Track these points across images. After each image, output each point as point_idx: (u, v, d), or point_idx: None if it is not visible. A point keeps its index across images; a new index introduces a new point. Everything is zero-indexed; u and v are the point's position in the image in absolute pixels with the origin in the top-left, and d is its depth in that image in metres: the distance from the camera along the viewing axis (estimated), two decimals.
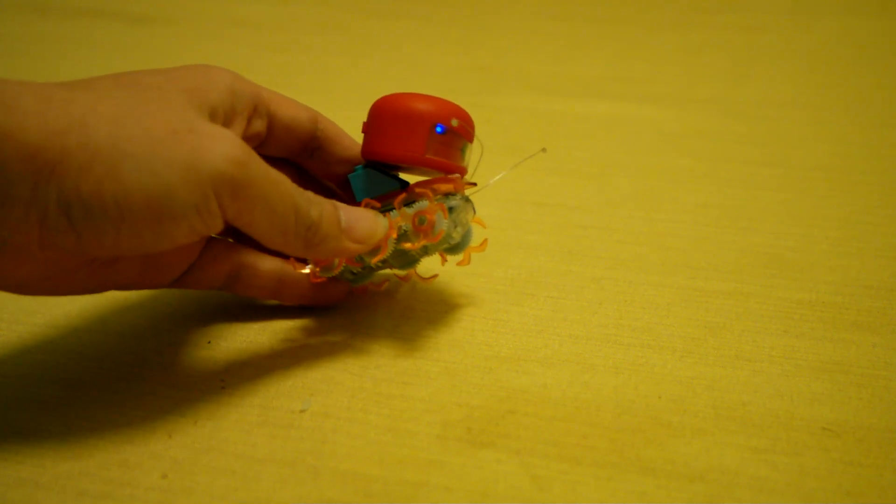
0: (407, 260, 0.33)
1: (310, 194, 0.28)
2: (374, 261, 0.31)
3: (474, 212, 0.33)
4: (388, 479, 0.27)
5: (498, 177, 0.34)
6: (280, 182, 0.27)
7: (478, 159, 0.34)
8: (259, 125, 0.31)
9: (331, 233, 0.29)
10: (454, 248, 0.33)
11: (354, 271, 0.33)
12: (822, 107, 0.59)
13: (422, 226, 0.31)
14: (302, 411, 0.29)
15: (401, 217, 0.31)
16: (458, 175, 0.32)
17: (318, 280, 0.33)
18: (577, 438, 0.28)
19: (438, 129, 0.31)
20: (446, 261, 0.34)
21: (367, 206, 0.32)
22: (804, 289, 0.36)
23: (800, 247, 0.40)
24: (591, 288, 0.37)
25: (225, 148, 0.25)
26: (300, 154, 0.33)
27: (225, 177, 0.25)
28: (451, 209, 0.31)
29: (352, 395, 0.30)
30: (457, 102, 0.32)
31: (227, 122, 0.29)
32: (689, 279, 0.37)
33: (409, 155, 0.31)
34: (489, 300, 0.36)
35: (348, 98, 0.60)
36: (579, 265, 0.38)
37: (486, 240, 0.33)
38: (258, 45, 0.73)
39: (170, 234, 0.25)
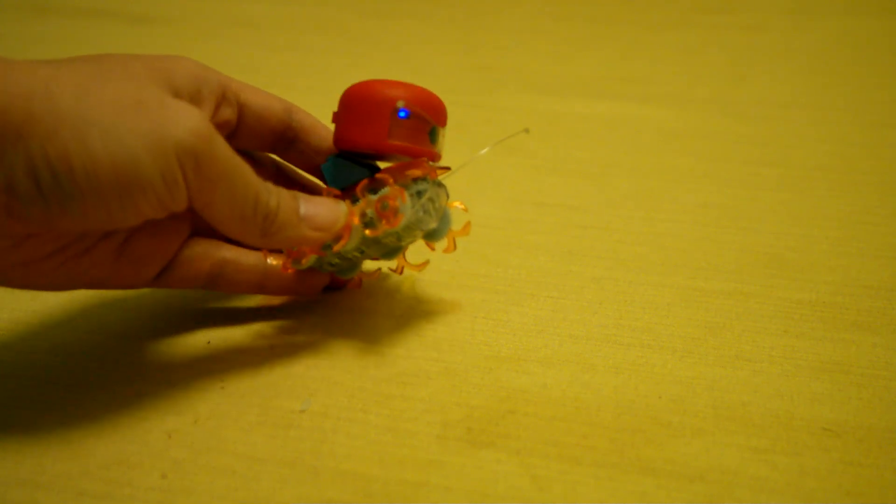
0: (387, 249, 0.32)
1: (269, 185, 0.28)
2: (338, 248, 0.30)
3: (447, 196, 0.32)
4: (388, 479, 0.27)
5: (471, 159, 0.33)
6: (242, 166, 0.27)
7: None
8: (228, 113, 0.31)
9: (288, 221, 0.29)
10: (434, 234, 0.32)
11: (333, 262, 0.33)
12: (822, 107, 0.59)
13: (384, 211, 0.30)
14: (302, 411, 0.29)
15: (365, 203, 0.31)
16: (425, 159, 0.31)
17: (290, 270, 0.33)
18: (577, 438, 0.28)
19: (401, 114, 0.30)
20: (433, 249, 0.34)
21: (328, 194, 0.31)
22: (804, 289, 0.36)
23: (800, 247, 0.40)
24: (591, 288, 0.37)
25: (191, 121, 0.25)
26: (276, 146, 0.33)
27: (189, 149, 0.25)
28: (418, 194, 0.31)
29: (352, 395, 0.30)
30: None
31: (192, 104, 0.28)
32: (689, 279, 0.37)
33: (371, 141, 0.30)
34: (489, 300, 0.36)
35: None
36: (579, 265, 0.38)
37: (468, 222, 0.33)
38: (258, 45, 0.73)
39: (136, 205, 0.25)
